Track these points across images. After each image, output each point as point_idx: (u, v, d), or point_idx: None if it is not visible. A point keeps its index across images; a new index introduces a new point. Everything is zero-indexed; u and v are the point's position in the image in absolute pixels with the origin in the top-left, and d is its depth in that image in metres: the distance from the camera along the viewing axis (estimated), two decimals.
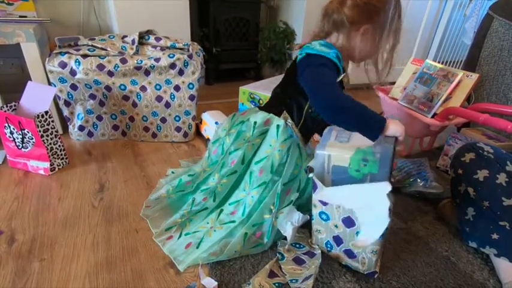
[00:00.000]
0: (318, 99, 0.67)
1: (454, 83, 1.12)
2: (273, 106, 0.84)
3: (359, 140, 0.65)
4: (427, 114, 1.14)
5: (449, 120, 1.14)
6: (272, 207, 0.74)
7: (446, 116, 1.10)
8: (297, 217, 0.74)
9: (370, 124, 0.62)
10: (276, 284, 0.66)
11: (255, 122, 0.79)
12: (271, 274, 0.68)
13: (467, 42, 2.28)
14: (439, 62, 1.24)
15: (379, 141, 0.62)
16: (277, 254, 0.74)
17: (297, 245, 0.76)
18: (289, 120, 0.79)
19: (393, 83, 1.37)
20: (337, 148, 0.64)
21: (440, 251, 0.79)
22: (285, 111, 0.79)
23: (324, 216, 0.69)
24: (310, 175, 0.67)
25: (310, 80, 0.69)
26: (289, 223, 0.74)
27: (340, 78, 0.73)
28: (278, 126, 0.76)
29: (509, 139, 1.14)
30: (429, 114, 1.14)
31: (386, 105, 1.37)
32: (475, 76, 1.12)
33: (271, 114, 0.79)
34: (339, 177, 0.65)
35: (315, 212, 0.70)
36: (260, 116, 0.79)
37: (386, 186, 0.58)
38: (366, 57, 0.80)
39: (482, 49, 1.30)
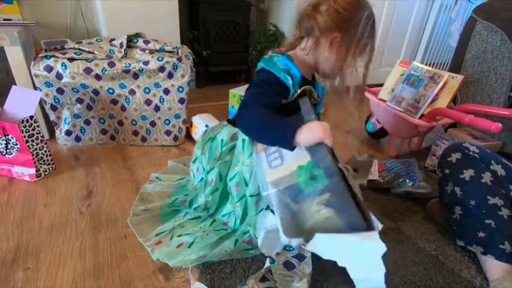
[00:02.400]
0: (238, 118, 0.68)
1: (440, 85, 1.15)
2: None
3: (291, 155, 0.62)
4: (414, 115, 1.16)
5: (436, 121, 1.16)
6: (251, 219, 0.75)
7: (433, 117, 1.12)
8: (271, 221, 0.70)
9: (280, 139, 0.62)
10: None
11: (222, 140, 0.78)
12: (263, 278, 0.68)
13: (453, 44, 2.33)
14: (426, 64, 1.27)
15: (313, 150, 0.59)
16: (268, 258, 0.73)
17: (287, 248, 0.76)
18: None
19: (382, 85, 1.39)
20: (279, 175, 0.61)
21: (429, 250, 0.80)
22: None
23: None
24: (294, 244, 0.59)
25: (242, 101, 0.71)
26: (263, 228, 0.72)
27: (293, 97, 0.71)
28: (244, 140, 0.75)
29: (494, 139, 1.16)
30: (417, 115, 1.16)
31: (375, 107, 1.39)
32: (460, 78, 1.15)
33: (237, 129, 0.77)
34: (298, 196, 0.61)
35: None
36: (226, 133, 0.78)
37: (380, 247, 0.50)
38: (331, 71, 0.75)
39: (466, 51, 1.33)
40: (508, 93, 1.18)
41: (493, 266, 0.71)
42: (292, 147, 0.60)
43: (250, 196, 0.74)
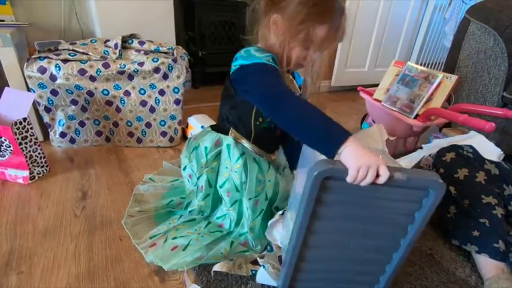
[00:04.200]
0: (277, 116, 0.57)
1: (435, 85, 1.16)
2: (221, 124, 0.79)
3: None
4: (409, 115, 1.17)
5: (431, 121, 1.17)
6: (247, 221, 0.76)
7: (428, 117, 1.13)
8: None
9: (324, 139, 0.50)
10: (253, 271, 0.68)
11: (206, 147, 0.76)
12: (255, 262, 0.71)
13: (447, 44, 2.35)
14: (421, 64, 1.28)
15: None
16: (268, 246, 0.75)
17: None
18: (239, 138, 0.75)
19: (377, 85, 1.39)
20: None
21: (425, 250, 0.81)
22: (231, 129, 0.75)
23: None
24: None
25: (260, 96, 0.60)
26: (275, 230, 0.74)
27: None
28: (228, 145, 0.74)
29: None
30: (412, 115, 1.17)
31: (370, 107, 1.39)
32: (454, 78, 1.16)
33: (220, 135, 0.76)
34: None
35: None
36: (209, 139, 0.76)
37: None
38: (286, 58, 0.67)
39: (460, 51, 1.34)
40: (501, 92, 1.19)
41: (487, 265, 0.72)
42: (333, 154, 0.48)
43: (249, 199, 0.73)
